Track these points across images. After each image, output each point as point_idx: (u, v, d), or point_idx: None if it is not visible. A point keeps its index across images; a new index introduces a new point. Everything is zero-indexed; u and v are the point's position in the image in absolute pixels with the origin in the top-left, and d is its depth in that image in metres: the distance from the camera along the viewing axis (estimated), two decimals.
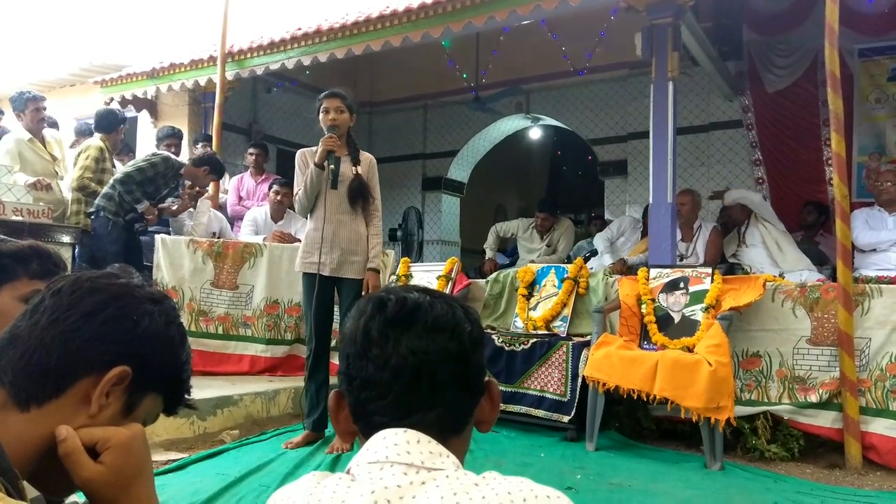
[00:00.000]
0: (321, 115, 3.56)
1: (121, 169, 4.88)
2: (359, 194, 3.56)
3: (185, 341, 0.94)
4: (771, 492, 2.99)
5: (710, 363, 3.36)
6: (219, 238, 5.22)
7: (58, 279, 0.89)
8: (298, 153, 3.68)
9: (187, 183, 5.09)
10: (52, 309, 0.85)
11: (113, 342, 0.84)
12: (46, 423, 0.81)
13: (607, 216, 7.13)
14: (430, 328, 0.85)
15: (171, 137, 5.65)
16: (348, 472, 0.81)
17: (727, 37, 6.18)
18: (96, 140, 5.13)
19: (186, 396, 0.97)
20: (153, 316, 0.88)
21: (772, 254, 4.83)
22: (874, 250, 4.51)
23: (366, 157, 3.69)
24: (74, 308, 0.84)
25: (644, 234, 5.56)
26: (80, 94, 7.76)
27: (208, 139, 6.22)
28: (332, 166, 3.50)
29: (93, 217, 4.76)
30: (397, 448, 0.79)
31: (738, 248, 5.05)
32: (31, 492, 0.98)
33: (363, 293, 3.53)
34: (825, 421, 3.52)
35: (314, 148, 3.57)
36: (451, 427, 0.85)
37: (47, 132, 5.30)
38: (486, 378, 0.91)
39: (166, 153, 5.07)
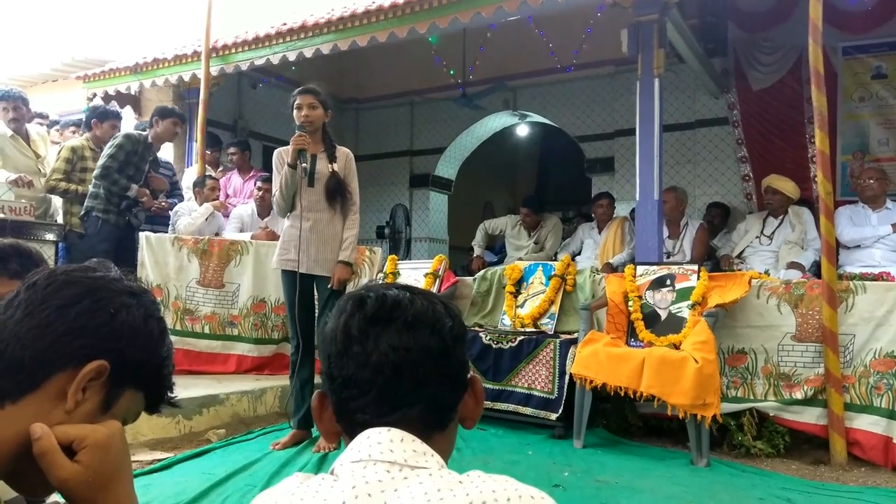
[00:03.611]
0: (295, 112, 3.52)
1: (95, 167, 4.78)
2: (336, 192, 3.52)
3: (165, 336, 0.91)
4: (756, 488, 3.01)
5: (696, 360, 3.37)
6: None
7: (33, 273, 0.87)
8: (275, 153, 3.63)
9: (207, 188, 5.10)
10: (27, 302, 0.82)
11: (89, 336, 0.82)
12: (21, 420, 0.78)
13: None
14: (410, 324, 0.85)
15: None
16: (332, 473, 0.80)
17: (713, 34, 6.21)
18: (74, 140, 5.10)
19: (169, 394, 0.94)
20: (131, 309, 0.86)
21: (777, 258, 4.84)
22: (858, 247, 4.55)
23: (342, 152, 3.63)
24: (49, 301, 0.82)
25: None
26: (62, 90, 7.66)
27: (245, 145, 6.35)
28: (304, 165, 3.45)
29: (84, 219, 4.70)
30: (381, 447, 0.78)
31: (756, 237, 5.00)
32: (8, 493, 0.95)
33: (329, 286, 3.50)
34: (810, 417, 3.54)
35: (289, 147, 3.51)
36: (434, 423, 0.84)
37: (32, 128, 5.22)
38: (470, 374, 0.91)
39: (125, 132, 4.96)
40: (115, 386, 0.84)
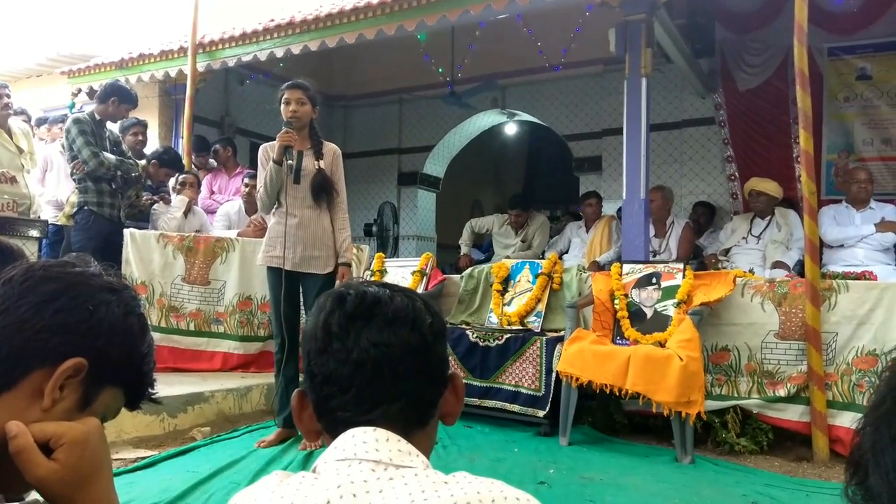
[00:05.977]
0: (282, 107, 3.48)
1: (78, 163, 4.67)
2: (322, 189, 3.49)
3: (145, 332, 0.90)
4: (740, 485, 3.03)
5: (681, 358, 3.39)
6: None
7: (10, 268, 0.85)
8: (261, 148, 3.60)
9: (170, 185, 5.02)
10: (2, 299, 0.81)
11: (67, 333, 0.81)
12: None
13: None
14: (390, 321, 0.85)
15: (136, 126, 5.53)
16: (314, 470, 0.80)
17: (700, 34, 6.24)
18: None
19: (149, 391, 0.93)
20: (110, 305, 0.85)
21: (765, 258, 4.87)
22: (842, 246, 4.59)
23: (329, 148, 3.60)
24: (25, 297, 0.81)
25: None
26: (46, 85, 7.59)
27: (229, 141, 6.31)
28: (290, 161, 3.43)
29: (76, 214, 4.64)
30: (366, 446, 0.78)
31: (743, 238, 5.03)
32: None
33: (311, 274, 3.50)
34: (793, 414, 3.58)
35: (276, 143, 3.48)
36: (415, 420, 0.85)
37: (14, 123, 5.15)
38: (450, 371, 0.91)
39: (72, 117, 4.79)
40: (94, 383, 0.83)
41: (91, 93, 6.63)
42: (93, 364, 0.81)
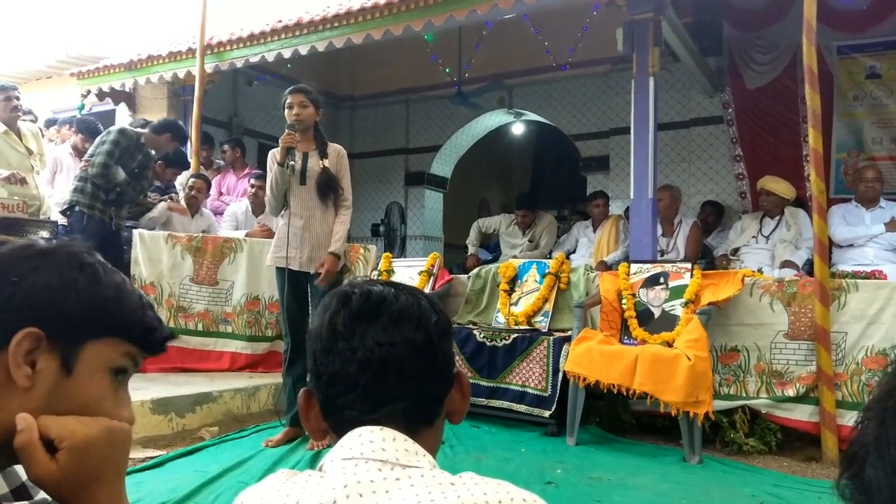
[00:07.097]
0: (286, 111, 3.54)
1: (90, 162, 4.68)
2: (327, 188, 3.54)
3: (97, 277, 0.84)
4: (748, 485, 3.02)
5: (689, 358, 3.38)
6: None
7: None
8: (269, 154, 3.63)
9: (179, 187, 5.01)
10: None
11: (2, 311, 0.77)
12: None
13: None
14: (395, 319, 0.85)
15: (145, 129, 5.55)
16: (320, 469, 0.80)
17: (707, 32, 6.21)
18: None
19: (156, 327, 0.87)
20: (38, 270, 0.81)
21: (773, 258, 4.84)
22: (851, 246, 4.56)
23: (334, 149, 3.64)
24: None
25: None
26: (55, 87, 7.64)
27: (237, 142, 6.37)
28: (292, 163, 3.46)
29: (68, 214, 4.66)
30: (373, 445, 0.78)
31: (753, 237, 5.00)
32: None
33: (318, 274, 3.46)
34: (802, 414, 3.56)
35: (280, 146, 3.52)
36: (421, 418, 0.85)
37: (23, 124, 5.19)
38: (455, 369, 0.91)
39: (119, 127, 4.84)
40: (67, 345, 0.80)
41: (101, 94, 6.69)
42: (50, 328, 0.78)
